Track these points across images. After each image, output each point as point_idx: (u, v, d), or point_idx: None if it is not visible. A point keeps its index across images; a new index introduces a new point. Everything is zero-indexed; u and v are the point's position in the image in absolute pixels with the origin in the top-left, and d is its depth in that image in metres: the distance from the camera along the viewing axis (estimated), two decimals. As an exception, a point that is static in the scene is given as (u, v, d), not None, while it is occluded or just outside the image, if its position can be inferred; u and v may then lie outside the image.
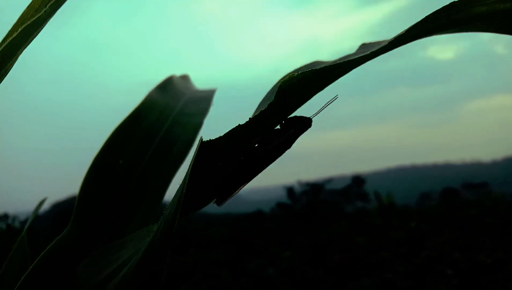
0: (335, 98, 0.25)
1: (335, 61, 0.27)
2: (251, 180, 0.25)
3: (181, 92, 0.43)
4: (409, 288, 2.29)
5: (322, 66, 0.23)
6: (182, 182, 0.22)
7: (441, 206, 5.82)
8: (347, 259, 2.78)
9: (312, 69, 0.22)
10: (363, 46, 0.27)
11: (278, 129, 0.24)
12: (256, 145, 0.24)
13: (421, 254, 2.66)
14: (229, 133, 0.23)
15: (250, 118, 0.23)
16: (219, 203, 0.26)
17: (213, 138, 0.24)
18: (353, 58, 0.23)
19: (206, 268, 2.71)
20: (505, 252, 2.52)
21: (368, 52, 0.23)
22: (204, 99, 0.44)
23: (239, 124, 0.23)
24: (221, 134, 0.24)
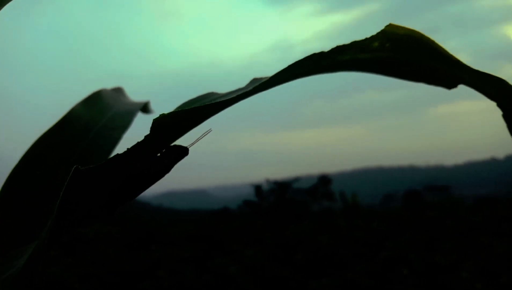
0: (209, 131, 0.29)
1: (215, 98, 0.30)
2: (132, 200, 0.28)
3: (109, 105, 0.45)
4: (368, 287, 2.35)
5: (197, 105, 0.26)
6: (55, 206, 0.24)
7: (404, 207, 6.00)
8: (310, 258, 2.82)
9: (182, 110, 0.25)
10: (254, 80, 0.29)
11: (158, 156, 0.27)
12: (136, 170, 0.27)
13: (381, 254, 2.73)
14: (107, 162, 0.25)
15: (128, 149, 0.25)
16: (100, 220, 0.28)
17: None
18: (225, 98, 0.26)
19: (170, 264, 2.70)
20: (459, 254, 2.62)
21: (240, 93, 0.27)
22: (129, 113, 0.46)
23: (117, 154, 0.25)
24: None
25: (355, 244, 3.09)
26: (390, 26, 0.25)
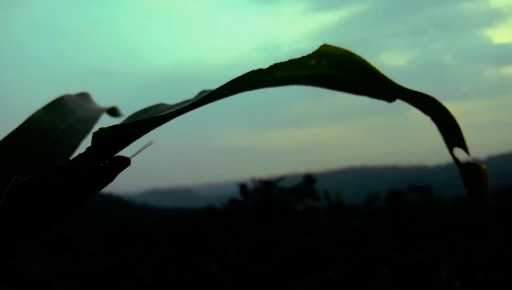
0: (150, 143, 0.30)
1: (161, 111, 0.32)
2: (75, 209, 0.29)
3: (72, 111, 0.44)
4: (349, 285, 2.38)
5: (143, 117, 0.26)
6: None
7: (386, 207, 6.08)
8: (293, 257, 2.84)
9: (121, 124, 0.26)
10: (202, 92, 0.30)
11: (100, 167, 0.28)
12: (78, 181, 0.28)
13: (362, 253, 2.76)
14: (48, 173, 0.25)
15: (69, 160, 0.25)
16: (42, 229, 0.29)
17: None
18: (166, 113, 0.27)
19: (151, 263, 2.69)
20: (439, 253, 2.67)
21: (180, 108, 0.28)
22: (91, 118, 0.46)
23: (59, 165, 0.25)
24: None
25: (338, 243, 3.12)
26: (324, 46, 0.27)
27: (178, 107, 0.28)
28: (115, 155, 0.29)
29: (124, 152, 0.29)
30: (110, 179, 0.29)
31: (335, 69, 0.27)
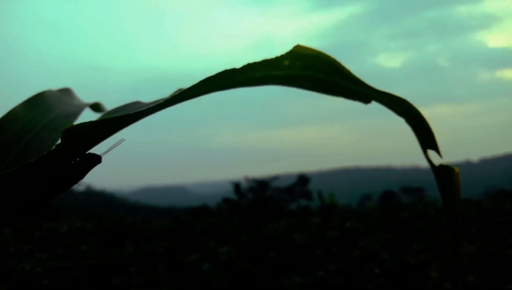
0: (122, 141, 0.30)
1: (136, 108, 0.31)
2: (46, 204, 0.29)
3: (52, 106, 0.44)
4: (339, 285, 2.39)
5: (118, 114, 0.27)
6: None
7: (379, 208, 6.10)
8: (283, 256, 2.85)
9: (92, 121, 0.26)
10: (178, 90, 0.30)
11: (71, 164, 0.28)
12: (48, 177, 0.28)
13: (353, 253, 2.77)
14: (17, 168, 0.25)
15: (40, 157, 0.25)
16: (13, 225, 0.29)
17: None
18: (139, 110, 0.27)
19: (142, 261, 2.68)
20: (429, 254, 2.69)
21: (151, 106, 0.28)
22: (72, 114, 0.45)
23: (28, 161, 0.25)
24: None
25: (329, 243, 3.13)
26: (298, 47, 0.26)
27: (151, 106, 0.28)
28: (87, 152, 0.29)
29: (96, 149, 0.29)
30: (81, 176, 0.29)
31: (308, 70, 0.27)
